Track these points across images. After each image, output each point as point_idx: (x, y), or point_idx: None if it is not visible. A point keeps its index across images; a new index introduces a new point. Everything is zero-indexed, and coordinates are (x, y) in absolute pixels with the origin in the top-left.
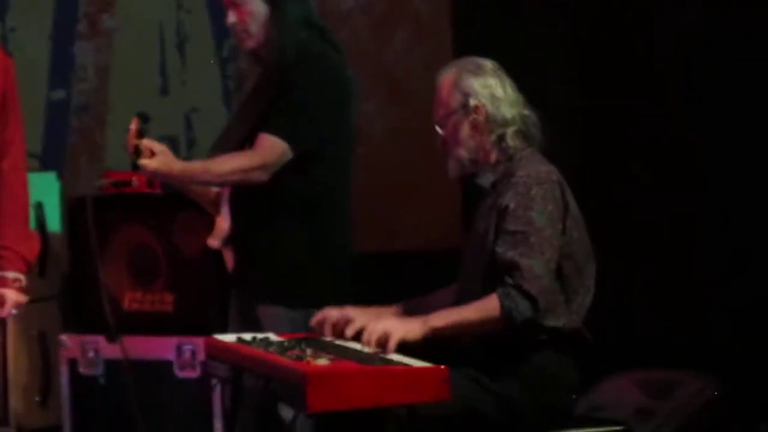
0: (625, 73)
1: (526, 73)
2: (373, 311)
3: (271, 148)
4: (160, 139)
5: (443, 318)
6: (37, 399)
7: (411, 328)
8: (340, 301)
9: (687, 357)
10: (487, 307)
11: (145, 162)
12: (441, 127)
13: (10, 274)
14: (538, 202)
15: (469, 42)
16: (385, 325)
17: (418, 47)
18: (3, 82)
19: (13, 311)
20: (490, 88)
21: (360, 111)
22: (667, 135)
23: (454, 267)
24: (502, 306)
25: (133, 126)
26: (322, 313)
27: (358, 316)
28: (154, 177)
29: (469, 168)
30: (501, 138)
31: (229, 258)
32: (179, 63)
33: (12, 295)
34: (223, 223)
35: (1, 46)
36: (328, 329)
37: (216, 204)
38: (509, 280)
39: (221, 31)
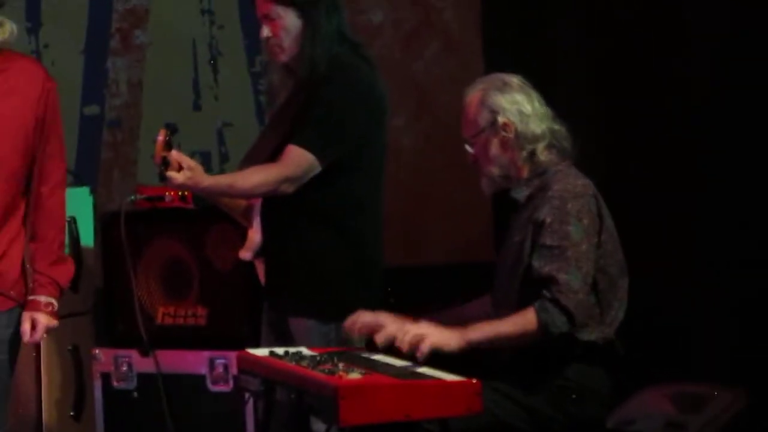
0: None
1: (557, 85)
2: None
3: (298, 159)
4: (193, 154)
5: (480, 331)
6: (70, 413)
7: (448, 338)
8: None
9: (718, 370)
10: (524, 320)
11: (172, 175)
12: (470, 145)
13: (43, 298)
14: (575, 216)
15: (499, 56)
16: (421, 328)
17: (447, 61)
18: (43, 106)
19: (45, 335)
20: (517, 105)
21: (390, 124)
22: (673, 136)
23: (482, 279)
24: (538, 320)
25: (161, 137)
26: (356, 315)
27: (391, 323)
28: (180, 190)
29: (502, 184)
30: (532, 154)
31: (261, 270)
32: (212, 78)
33: (43, 320)
34: (255, 235)
35: (45, 70)
36: (359, 331)
37: (248, 216)
38: (546, 294)
39: (253, 46)
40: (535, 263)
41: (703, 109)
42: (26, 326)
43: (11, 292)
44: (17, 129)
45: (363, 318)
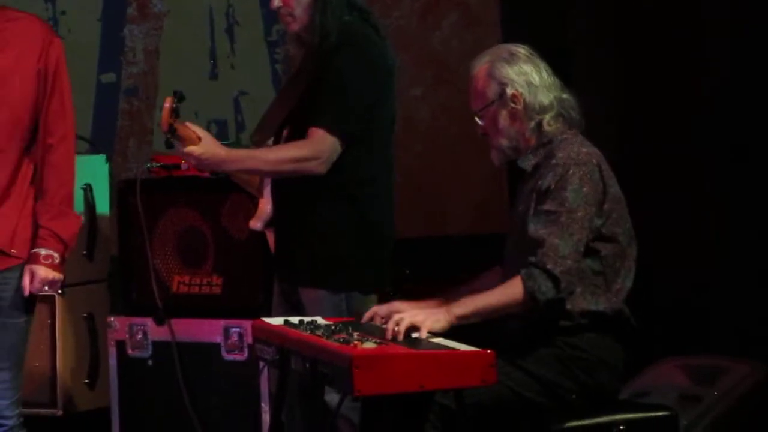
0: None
1: (575, 58)
2: (421, 305)
3: (323, 139)
4: (209, 122)
5: (466, 305)
6: (85, 381)
7: (436, 318)
8: (382, 285)
9: (733, 343)
10: (511, 290)
11: (191, 149)
12: (479, 117)
13: (43, 251)
14: (574, 183)
15: (517, 27)
16: (412, 317)
17: (465, 33)
18: (44, 60)
19: (45, 288)
20: (525, 75)
21: (407, 96)
22: (693, 103)
23: (499, 250)
24: (525, 288)
25: (168, 104)
26: (372, 310)
27: (407, 310)
28: (199, 163)
29: (511, 156)
30: (540, 124)
31: (271, 240)
32: (228, 47)
33: (41, 272)
34: (266, 205)
35: (50, 27)
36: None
37: (258, 187)
38: (533, 259)
39: (270, 15)
40: (530, 226)
41: (721, 79)
42: (25, 280)
43: (12, 250)
44: (16, 82)
45: (379, 311)
